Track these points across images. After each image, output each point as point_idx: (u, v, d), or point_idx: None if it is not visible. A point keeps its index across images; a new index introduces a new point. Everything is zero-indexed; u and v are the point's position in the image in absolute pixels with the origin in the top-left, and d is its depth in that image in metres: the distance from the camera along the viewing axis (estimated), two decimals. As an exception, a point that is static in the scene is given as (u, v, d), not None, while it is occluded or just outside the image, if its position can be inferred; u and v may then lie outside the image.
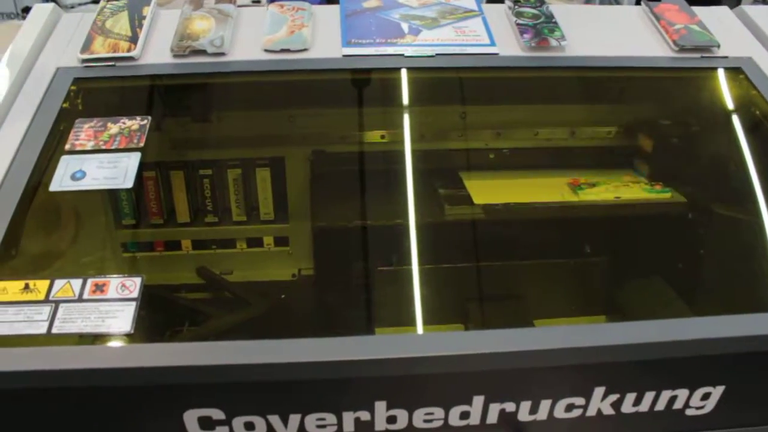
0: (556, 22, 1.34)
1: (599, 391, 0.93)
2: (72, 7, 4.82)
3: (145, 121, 1.10)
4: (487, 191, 1.42)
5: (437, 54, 1.23)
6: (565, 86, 1.49)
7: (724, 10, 1.45)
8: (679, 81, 1.41)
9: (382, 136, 1.44)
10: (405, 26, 1.28)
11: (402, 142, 1.35)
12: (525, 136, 1.54)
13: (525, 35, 1.30)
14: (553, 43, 1.29)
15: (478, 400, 0.91)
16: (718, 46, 1.31)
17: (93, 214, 1.47)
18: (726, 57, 1.31)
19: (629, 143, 1.59)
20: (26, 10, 4.67)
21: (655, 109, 1.56)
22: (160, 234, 1.53)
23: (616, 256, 1.55)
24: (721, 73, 1.32)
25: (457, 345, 0.89)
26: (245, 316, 1.38)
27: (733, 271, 1.39)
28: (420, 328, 1.18)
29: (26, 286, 0.89)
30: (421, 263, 1.30)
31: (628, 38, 1.36)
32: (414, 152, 1.38)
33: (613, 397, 0.94)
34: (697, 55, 1.31)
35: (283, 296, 1.47)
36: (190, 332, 1.33)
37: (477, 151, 1.50)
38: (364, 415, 0.89)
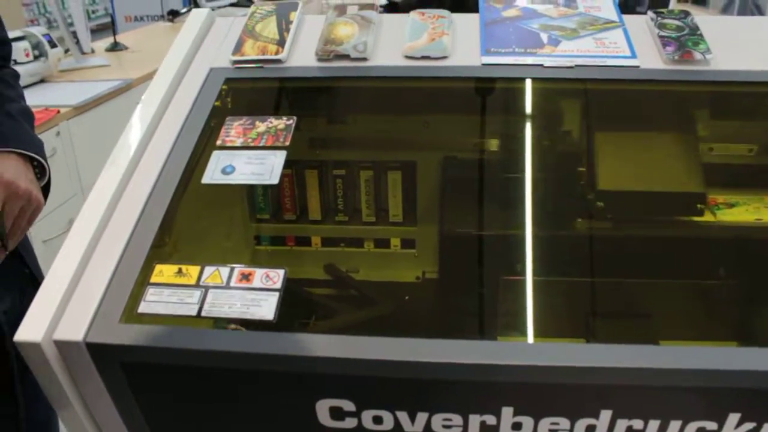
0: (701, 35, 1.30)
1: (734, 417, 0.90)
2: (212, 9, 5.08)
3: (291, 121, 1.16)
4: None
5: (576, 65, 1.22)
6: (705, 101, 1.44)
7: None
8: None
9: (515, 144, 1.44)
10: (544, 36, 1.28)
11: (534, 151, 1.35)
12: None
13: (668, 48, 1.27)
14: (698, 56, 1.25)
15: (606, 415, 0.90)
16: None
17: (232, 205, 1.55)
18: None
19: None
20: (172, 13, 4.96)
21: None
22: (292, 230, 1.59)
23: (753, 281, 1.48)
24: None
25: (585, 357, 0.88)
26: (371, 314, 1.42)
27: None
28: (540, 339, 1.17)
29: (179, 271, 0.96)
30: (545, 274, 1.30)
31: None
32: (544, 160, 1.38)
33: (749, 425, 0.90)
34: None
35: (407, 297, 1.50)
36: (317, 326, 1.38)
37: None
38: (490, 420, 0.90)
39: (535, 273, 1.29)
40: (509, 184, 1.38)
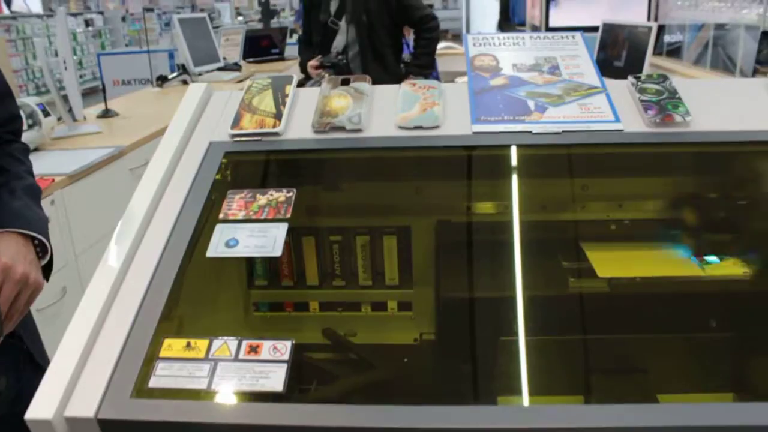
0: (680, 98, 1.36)
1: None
2: (199, 74, 5.18)
3: (291, 194, 1.20)
4: (611, 264, 1.43)
5: (564, 131, 1.28)
6: (688, 159, 1.49)
7: None
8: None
9: (506, 208, 1.48)
10: (531, 103, 1.34)
11: (525, 213, 1.39)
12: (647, 208, 1.55)
13: (649, 111, 1.32)
14: (678, 119, 1.31)
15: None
16: None
17: (231, 273, 1.58)
18: None
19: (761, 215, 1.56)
20: (161, 78, 5.05)
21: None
22: (290, 295, 1.61)
23: (745, 333, 1.51)
24: None
25: (584, 418, 0.90)
26: (370, 378, 1.43)
27: None
28: (540, 399, 1.19)
29: (188, 344, 0.98)
30: (542, 334, 1.32)
31: (754, 112, 1.35)
32: (537, 223, 1.42)
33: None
34: (827, 129, 1.29)
35: (405, 360, 1.52)
36: (319, 392, 1.39)
37: (600, 222, 1.52)
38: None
39: (531, 333, 1.31)
40: (502, 246, 1.42)
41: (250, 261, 1.60)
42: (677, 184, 1.53)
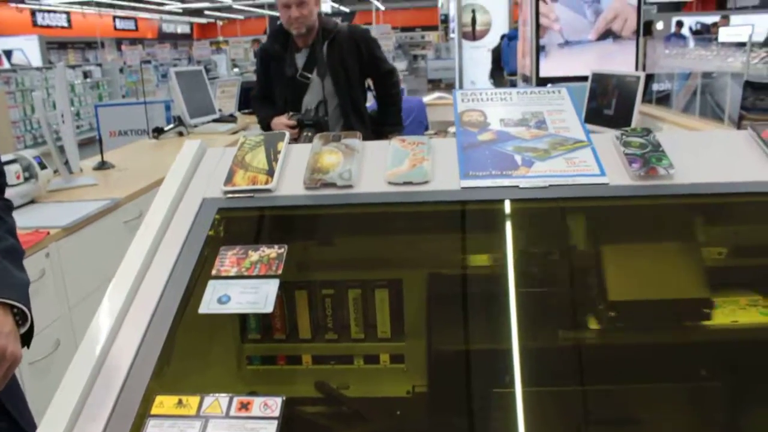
0: (663, 151, 1.40)
1: None
2: (195, 126, 5.24)
3: (282, 250, 1.22)
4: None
5: (550, 185, 1.30)
6: (672, 210, 1.52)
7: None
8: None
9: (496, 261, 1.50)
10: (518, 158, 1.37)
11: (516, 266, 1.40)
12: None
13: (634, 165, 1.35)
14: (662, 171, 1.34)
15: None
16: (831, 170, 1.33)
17: (224, 327, 1.58)
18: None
19: (743, 264, 1.59)
20: (157, 130, 5.11)
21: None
22: (282, 349, 1.62)
23: (735, 381, 1.52)
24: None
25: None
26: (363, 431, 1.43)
27: None
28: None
29: (180, 402, 0.98)
30: (534, 385, 1.33)
31: (735, 163, 1.39)
32: (527, 275, 1.43)
33: None
34: (808, 178, 1.32)
35: (398, 412, 1.52)
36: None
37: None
38: None
39: (523, 385, 1.32)
40: (493, 298, 1.44)
41: (243, 315, 1.60)
42: (660, 234, 1.55)
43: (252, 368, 1.64)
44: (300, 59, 3.41)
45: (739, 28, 11.99)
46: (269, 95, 3.53)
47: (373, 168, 1.38)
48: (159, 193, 1.37)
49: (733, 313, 1.47)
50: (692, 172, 1.35)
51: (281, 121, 3.34)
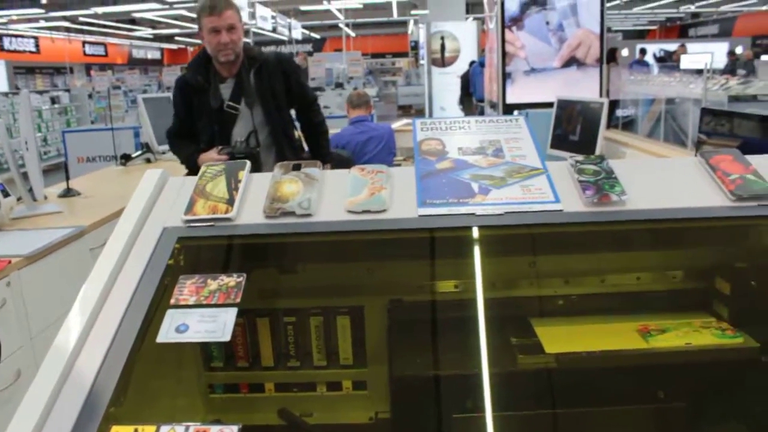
0: (616, 178, 1.43)
1: None
2: (163, 153, 5.22)
3: (241, 278, 1.22)
4: (558, 339, 1.47)
5: (506, 212, 1.33)
6: (629, 235, 1.55)
7: (778, 157, 1.51)
8: (738, 228, 1.46)
9: (456, 287, 1.52)
10: (475, 186, 1.40)
11: (474, 291, 1.43)
12: (593, 283, 1.60)
13: (587, 192, 1.39)
14: (614, 198, 1.37)
15: None
16: (776, 194, 1.36)
17: (186, 356, 1.58)
18: (786, 204, 1.35)
19: (696, 287, 1.63)
20: (124, 157, 5.09)
21: (719, 255, 1.60)
22: (245, 377, 1.62)
23: (692, 402, 1.55)
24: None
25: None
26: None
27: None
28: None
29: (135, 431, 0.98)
30: (494, 410, 1.34)
31: (685, 189, 1.42)
32: (486, 301, 1.46)
33: None
34: (755, 203, 1.36)
35: (361, 439, 1.53)
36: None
37: (546, 298, 1.57)
38: None
39: (483, 409, 1.34)
40: (454, 323, 1.46)
41: (206, 343, 1.61)
42: (618, 259, 1.59)
43: (215, 396, 1.64)
44: (225, 89, 3.21)
45: (699, 55, 12.31)
46: (189, 131, 3.27)
47: (333, 197, 1.40)
48: (120, 221, 1.38)
49: (686, 335, 1.51)
50: (644, 199, 1.39)
51: (211, 156, 3.10)
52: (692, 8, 25.16)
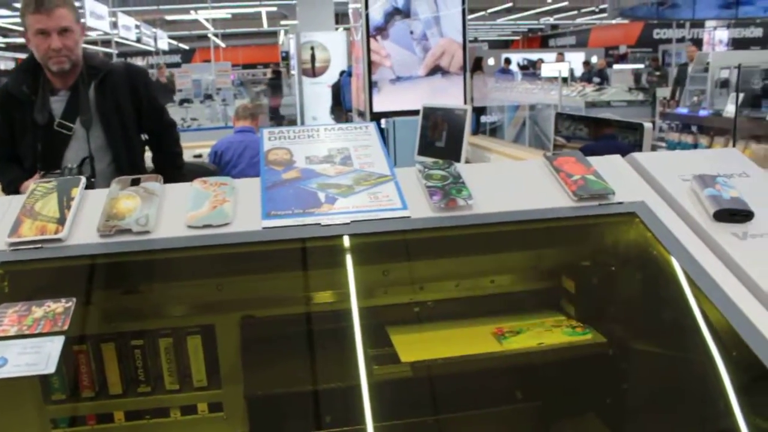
0: (463, 182, 1.44)
1: None
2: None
3: (70, 303, 1.14)
4: (414, 347, 1.47)
5: (353, 221, 1.31)
6: (480, 238, 1.58)
7: (616, 158, 1.58)
8: (581, 228, 1.51)
9: (309, 299, 1.49)
10: (322, 195, 1.37)
11: (328, 303, 1.40)
12: (447, 288, 1.62)
13: (434, 197, 1.39)
14: (461, 202, 1.38)
15: None
16: (613, 193, 1.42)
17: (21, 390, 1.46)
18: (621, 203, 1.41)
19: (546, 287, 1.67)
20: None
21: (564, 254, 1.66)
22: (92, 407, 1.52)
23: (548, 399, 1.59)
24: (617, 219, 1.43)
25: None
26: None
27: (656, 401, 1.44)
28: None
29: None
30: (353, 424, 1.32)
31: (532, 191, 1.46)
32: (341, 312, 1.43)
33: None
34: (595, 203, 1.41)
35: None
36: None
37: (402, 306, 1.56)
38: None
39: (340, 424, 1.31)
40: (308, 337, 1.43)
41: (45, 374, 1.49)
42: (470, 263, 1.61)
43: (58, 431, 1.53)
44: (57, 103, 2.56)
45: (558, 64, 12.95)
46: (12, 152, 2.60)
47: (174, 212, 1.33)
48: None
49: (539, 335, 1.54)
50: (491, 202, 1.41)
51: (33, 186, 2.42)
52: (551, 20, 26.57)
